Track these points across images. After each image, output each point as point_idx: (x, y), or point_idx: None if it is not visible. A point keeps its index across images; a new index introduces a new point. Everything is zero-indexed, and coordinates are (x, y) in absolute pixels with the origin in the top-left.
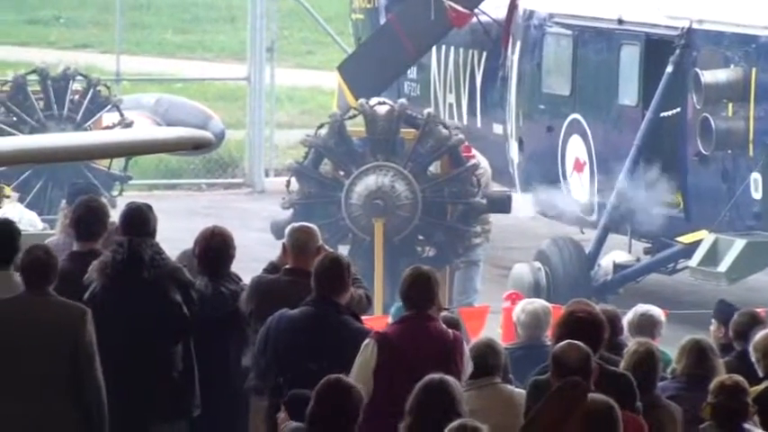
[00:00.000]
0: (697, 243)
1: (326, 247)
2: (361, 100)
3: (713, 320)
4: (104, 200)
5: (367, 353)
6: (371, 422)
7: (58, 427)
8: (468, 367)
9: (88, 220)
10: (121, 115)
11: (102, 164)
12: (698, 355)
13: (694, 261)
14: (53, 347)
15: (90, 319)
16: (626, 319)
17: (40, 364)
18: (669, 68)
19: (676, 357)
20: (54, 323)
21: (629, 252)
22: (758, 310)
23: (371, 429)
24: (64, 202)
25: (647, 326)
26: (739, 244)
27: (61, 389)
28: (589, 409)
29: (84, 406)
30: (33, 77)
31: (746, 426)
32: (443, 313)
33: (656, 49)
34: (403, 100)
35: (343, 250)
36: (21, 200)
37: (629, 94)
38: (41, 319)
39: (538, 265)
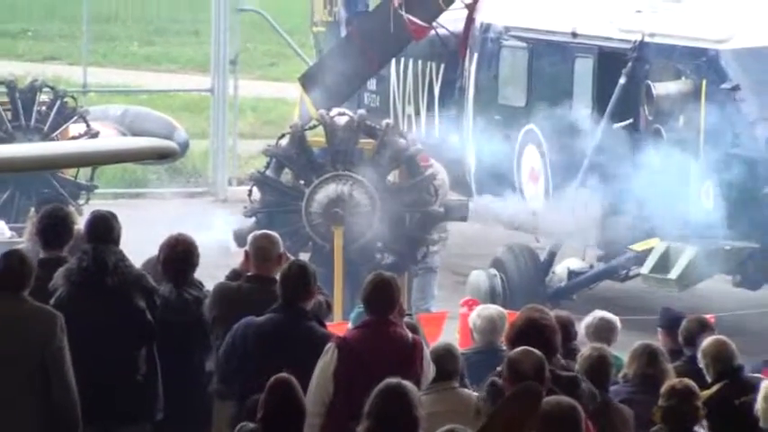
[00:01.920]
0: (649, 250)
1: (288, 254)
2: (322, 111)
3: (659, 329)
4: (71, 208)
5: (327, 357)
6: (331, 426)
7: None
8: (431, 371)
9: (53, 228)
10: (88, 126)
11: (68, 173)
12: (648, 358)
13: (646, 268)
14: (24, 351)
15: (61, 324)
16: (583, 323)
17: (12, 367)
18: (622, 80)
19: (627, 362)
20: (25, 327)
21: (583, 259)
22: (707, 316)
23: None
24: (32, 210)
25: (604, 330)
26: (690, 251)
27: (33, 394)
28: (552, 410)
29: (55, 409)
30: (1, 89)
31: (696, 429)
32: (404, 318)
33: (610, 61)
34: (362, 111)
35: (304, 257)
36: None
37: (582, 105)
38: (13, 322)
39: (494, 271)
